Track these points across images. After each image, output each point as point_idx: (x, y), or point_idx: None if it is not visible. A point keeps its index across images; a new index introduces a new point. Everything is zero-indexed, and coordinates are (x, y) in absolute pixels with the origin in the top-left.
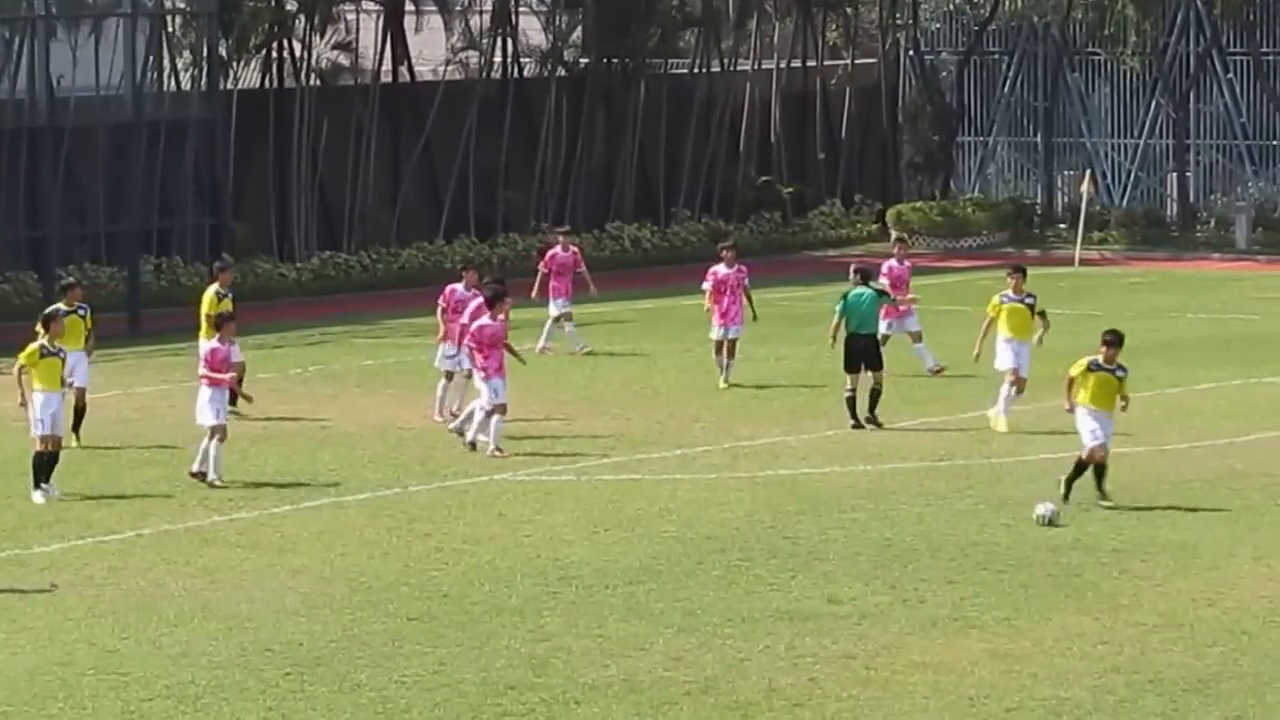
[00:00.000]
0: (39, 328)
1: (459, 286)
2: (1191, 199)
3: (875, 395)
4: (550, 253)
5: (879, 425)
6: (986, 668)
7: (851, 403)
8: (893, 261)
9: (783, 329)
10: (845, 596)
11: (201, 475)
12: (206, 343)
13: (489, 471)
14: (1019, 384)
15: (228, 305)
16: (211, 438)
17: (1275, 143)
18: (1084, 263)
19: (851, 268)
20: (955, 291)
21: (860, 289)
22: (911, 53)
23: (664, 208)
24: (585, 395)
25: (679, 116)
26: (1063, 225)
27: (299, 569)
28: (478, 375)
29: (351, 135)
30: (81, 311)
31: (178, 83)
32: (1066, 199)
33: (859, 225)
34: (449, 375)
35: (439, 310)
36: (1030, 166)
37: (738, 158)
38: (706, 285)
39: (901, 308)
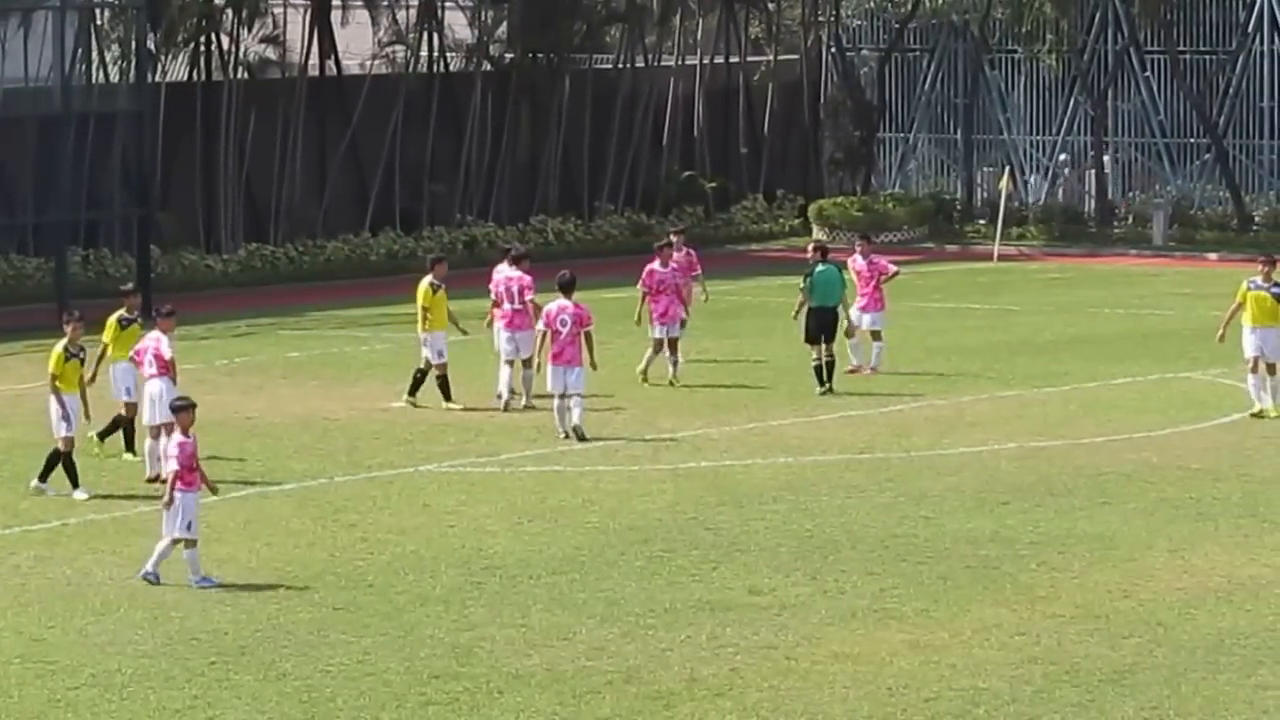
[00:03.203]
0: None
1: (503, 267)
2: (1109, 195)
3: (830, 366)
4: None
5: (833, 391)
6: (905, 658)
7: (819, 369)
8: (856, 257)
9: (705, 323)
10: (766, 588)
11: (157, 478)
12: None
13: (414, 463)
14: (1271, 368)
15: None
16: (160, 435)
17: (1192, 141)
18: (1002, 258)
19: (811, 246)
20: None
21: (823, 265)
22: (833, 49)
23: (588, 202)
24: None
25: (603, 111)
26: (982, 221)
27: (225, 559)
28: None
29: (279, 128)
30: (140, 320)
31: (106, 75)
32: (985, 194)
33: (781, 220)
34: (510, 363)
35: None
36: (950, 163)
37: (661, 152)
38: (640, 289)
39: (862, 303)
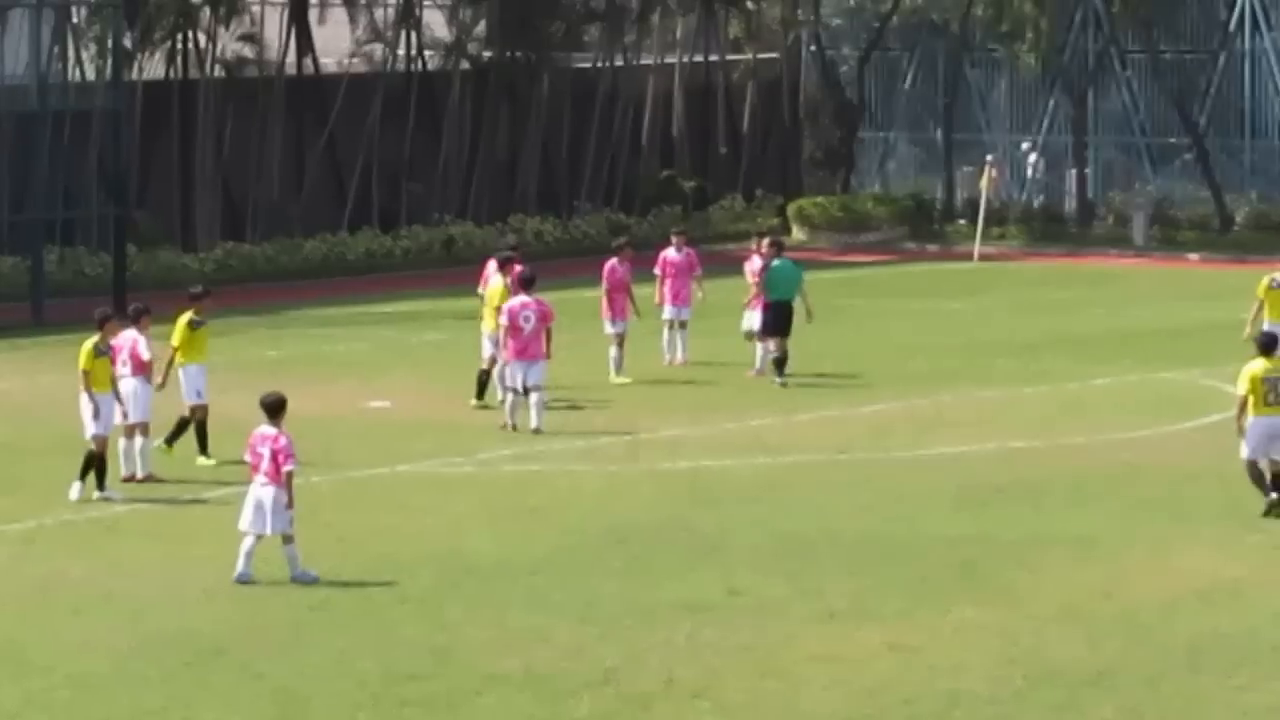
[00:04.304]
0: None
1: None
2: (1090, 195)
3: (782, 361)
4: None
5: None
6: (884, 659)
7: (779, 362)
8: (756, 259)
9: None
10: (745, 588)
11: (132, 478)
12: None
13: (391, 462)
14: None
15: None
16: (134, 435)
17: (1173, 140)
18: (983, 258)
19: (767, 240)
20: (854, 285)
21: (779, 260)
22: (813, 48)
23: (566, 201)
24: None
25: (582, 110)
26: (962, 221)
27: (201, 559)
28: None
29: (256, 127)
30: (206, 322)
31: (83, 73)
32: (965, 194)
33: (760, 219)
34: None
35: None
36: (930, 162)
37: (640, 151)
38: (657, 271)
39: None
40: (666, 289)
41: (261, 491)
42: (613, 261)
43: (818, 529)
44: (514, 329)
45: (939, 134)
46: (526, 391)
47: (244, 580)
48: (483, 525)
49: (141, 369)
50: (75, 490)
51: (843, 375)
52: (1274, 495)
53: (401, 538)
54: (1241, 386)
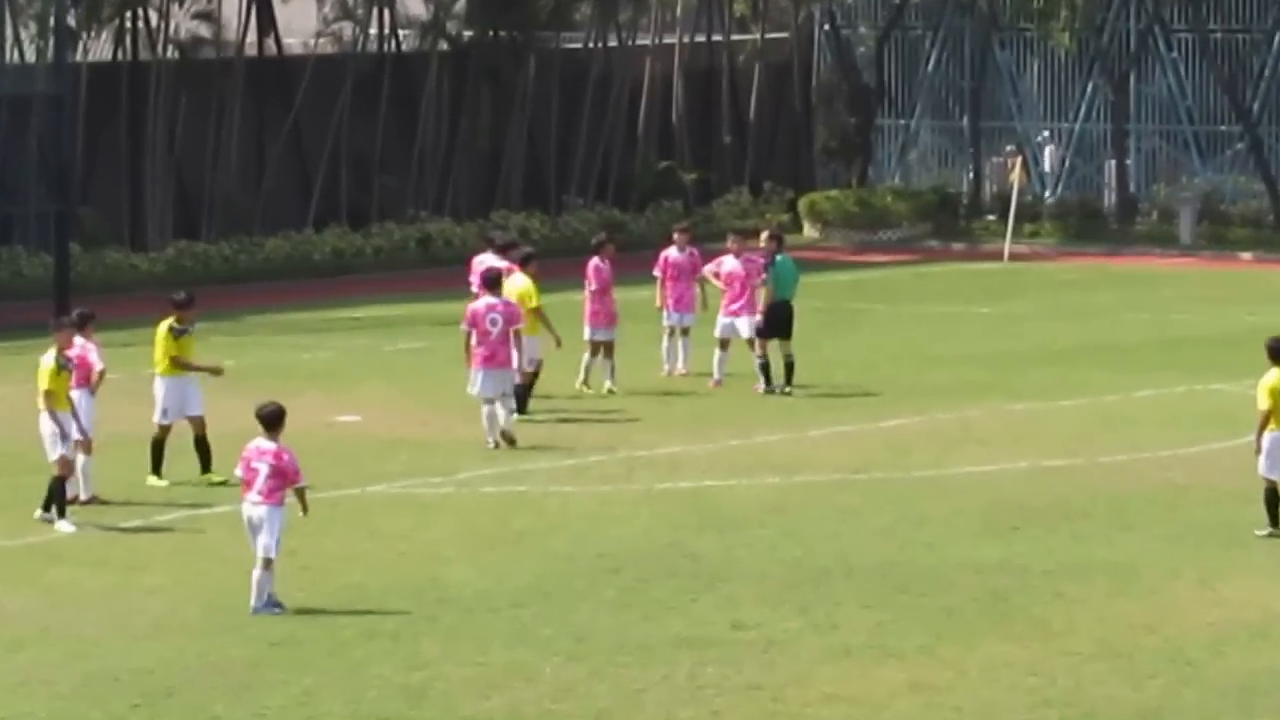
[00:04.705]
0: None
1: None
2: (1131, 189)
3: (790, 367)
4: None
5: (790, 394)
6: (906, 700)
7: (766, 368)
8: (727, 258)
9: None
10: (751, 622)
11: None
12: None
13: (361, 483)
14: None
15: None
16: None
17: (1223, 128)
18: (1014, 257)
19: (766, 234)
20: (871, 288)
21: (781, 256)
22: (827, 27)
23: (555, 195)
24: (464, 399)
25: (572, 95)
26: (991, 217)
27: (151, 589)
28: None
29: (213, 114)
30: (192, 330)
31: (21, 54)
32: (995, 188)
33: (768, 215)
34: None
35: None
36: (955, 152)
37: (636, 141)
38: (658, 273)
39: (734, 307)
40: (668, 292)
41: (253, 510)
42: (595, 260)
43: (832, 556)
44: (480, 333)
45: (965, 121)
46: (493, 402)
47: (266, 609)
48: (462, 552)
49: (85, 380)
50: (64, 526)
51: (859, 387)
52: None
53: (373, 566)
54: (1262, 401)
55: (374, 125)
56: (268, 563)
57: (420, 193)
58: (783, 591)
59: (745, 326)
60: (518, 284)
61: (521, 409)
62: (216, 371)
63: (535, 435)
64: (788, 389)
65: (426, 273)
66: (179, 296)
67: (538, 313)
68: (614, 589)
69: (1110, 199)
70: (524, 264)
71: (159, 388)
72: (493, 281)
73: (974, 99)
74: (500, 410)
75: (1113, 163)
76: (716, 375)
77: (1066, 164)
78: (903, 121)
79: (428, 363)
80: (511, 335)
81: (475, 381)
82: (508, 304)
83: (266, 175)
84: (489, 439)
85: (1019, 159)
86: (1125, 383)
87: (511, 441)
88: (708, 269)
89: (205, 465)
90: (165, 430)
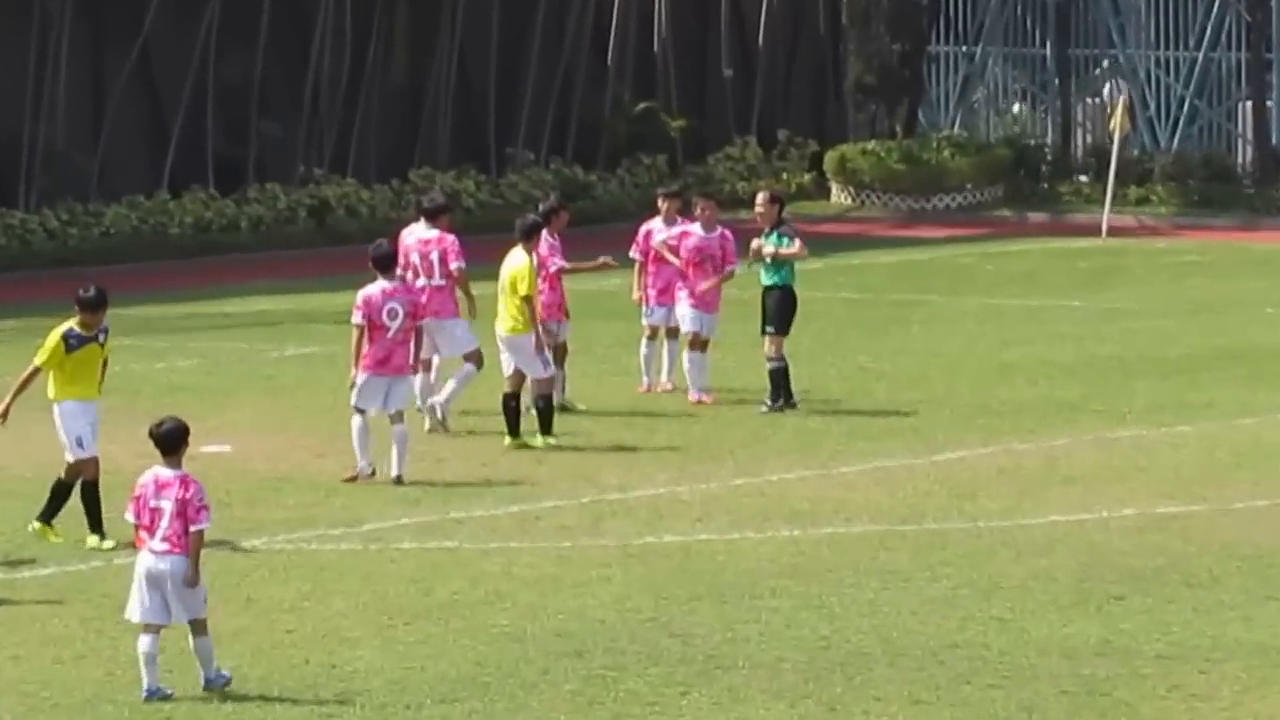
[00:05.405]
0: None
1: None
2: (1274, 140)
3: (777, 374)
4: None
5: (792, 406)
6: None
7: (783, 377)
8: (694, 228)
9: None
10: None
11: None
12: None
13: (233, 535)
14: None
15: None
16: None
17: None
18: (1114, 232)
19: (764, 197)
20: (922, 273)
21: (784, 225)
22: None
23: (495, 149)
24: (375, 425)
25: (517, 14)
26: (1083, 178)
27: (75, 659)
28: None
29: (33, 41)
30: (101, 339)
31: None
32: (1090, 139)
33: (784, 175)
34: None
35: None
36: (1036, 91)
37: (605, 76)
38: (636, 254)
39: (701, 290)
40: (650, 281)
41: (157, 564)
42: (543, 234)
43: (871, 636)
44: (373, 328)
45: (1048, 49)
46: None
47: (156, 696)
48: (371, 630)
49: None
50: None
51: (906, 406)
52: None
53: (250, 647)
54: None
55: (251, 55)
56: (198, 625)
57: (314, 145)
58: (804, 683)
59: (704, 321)
60: (514, 262)
61: (514, 431)
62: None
63: (469, 472)
64: (775, 404)
65: (324, 253)
66: (86, 292)
67: (528, 304)
68: (576, 680)
69: (1245, 154)
70: (526, 234)
71: (60, 415)
72: (385, 260)
73: (1060, 19)
74: (395, 436)
75: (1248, 105)
76: (668, 379)
77: (1186, 107)
78: (964, 49)
79: (323, 375)
80: (414, 333)
81: (360, 388)
82: (410, 290)
83: (106, 123)
84: (364, 467)
85: (1122, 100)
86: (1264, 402)
87: (399, 482)
88: (657, 240)
89: (50, 514)
90: (87, 466)
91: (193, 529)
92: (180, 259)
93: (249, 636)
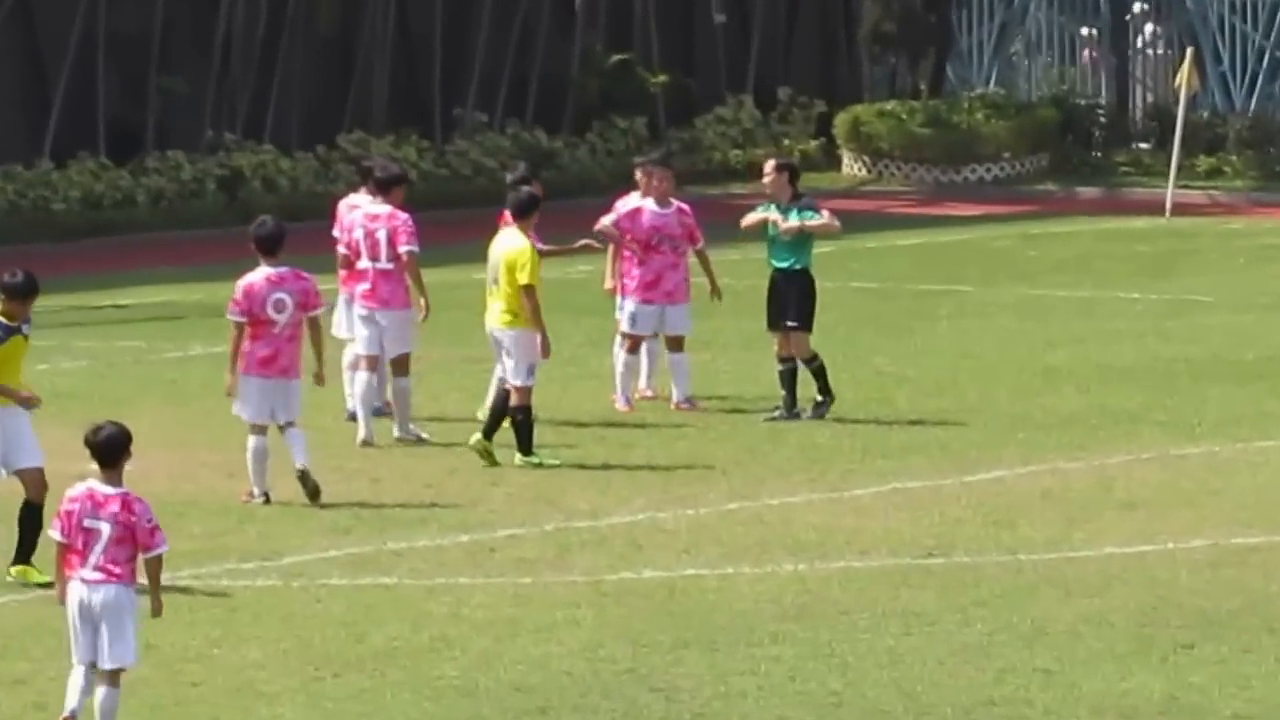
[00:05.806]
0: None
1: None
2: None
3: (817, 373)
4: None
5: (821, 414)
6: None
7: (785, 377)
8: (646, 203)
9: None
10: None
11: None
12: None
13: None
14: None
15: None
16: None
17: None
18: (1180, 210)
19: (772, 165)
20: (952, 258)
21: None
22: None
23: (441, 109)
24: (275, 444)
25: None
26: (1144, 146)
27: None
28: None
29: None
30: (25, 330)
31: None
32: (1151, 99)
33: (786, 142)
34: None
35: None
36: (1086, 42)
37: (572, 23)
38: (608, 220)
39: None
40: (625, 267)
41: (91, 595)
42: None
43: (891, 690)
44: (256, 324)
45: None
46: (281, 428)
47: None
48: (292, 682)
49: None
50: None
51: (933, 416)
52: None
53: (149, 704)
54: None
55: None
56: (114, 676)
57: (225, 106)
58: None
59: (672, 316)
60: (509, 244)
61: (526, 447)
62: (31, 403)
63: (410, 494)
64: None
65: (235, 231)
66: (13, 277)
67: (529, 296)
68: None
69: None
70: (523, 210)
71: None
72: (272, 240)
73: None
74: (293, 443)
75: None
76: (621, 389)
77: (1266, 61)
78: None
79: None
80: (307, 327)
81: (242, 397)
82: (300, 277)
83: None
84: (256, 491)
85: (1189, 54)
86: None
87: (313, 493)
88: (605, 219)
89: (25, 551)
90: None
91: (148, 555)
92: (66, 240)
93: (147, 690)
